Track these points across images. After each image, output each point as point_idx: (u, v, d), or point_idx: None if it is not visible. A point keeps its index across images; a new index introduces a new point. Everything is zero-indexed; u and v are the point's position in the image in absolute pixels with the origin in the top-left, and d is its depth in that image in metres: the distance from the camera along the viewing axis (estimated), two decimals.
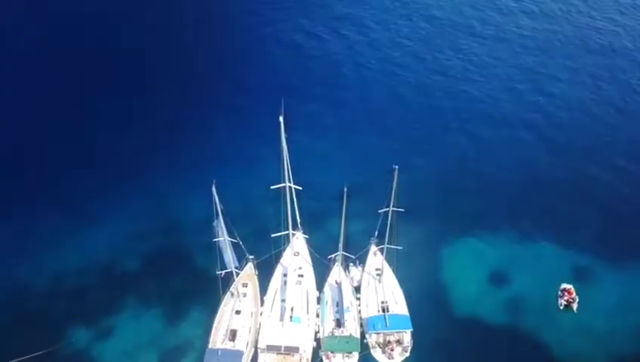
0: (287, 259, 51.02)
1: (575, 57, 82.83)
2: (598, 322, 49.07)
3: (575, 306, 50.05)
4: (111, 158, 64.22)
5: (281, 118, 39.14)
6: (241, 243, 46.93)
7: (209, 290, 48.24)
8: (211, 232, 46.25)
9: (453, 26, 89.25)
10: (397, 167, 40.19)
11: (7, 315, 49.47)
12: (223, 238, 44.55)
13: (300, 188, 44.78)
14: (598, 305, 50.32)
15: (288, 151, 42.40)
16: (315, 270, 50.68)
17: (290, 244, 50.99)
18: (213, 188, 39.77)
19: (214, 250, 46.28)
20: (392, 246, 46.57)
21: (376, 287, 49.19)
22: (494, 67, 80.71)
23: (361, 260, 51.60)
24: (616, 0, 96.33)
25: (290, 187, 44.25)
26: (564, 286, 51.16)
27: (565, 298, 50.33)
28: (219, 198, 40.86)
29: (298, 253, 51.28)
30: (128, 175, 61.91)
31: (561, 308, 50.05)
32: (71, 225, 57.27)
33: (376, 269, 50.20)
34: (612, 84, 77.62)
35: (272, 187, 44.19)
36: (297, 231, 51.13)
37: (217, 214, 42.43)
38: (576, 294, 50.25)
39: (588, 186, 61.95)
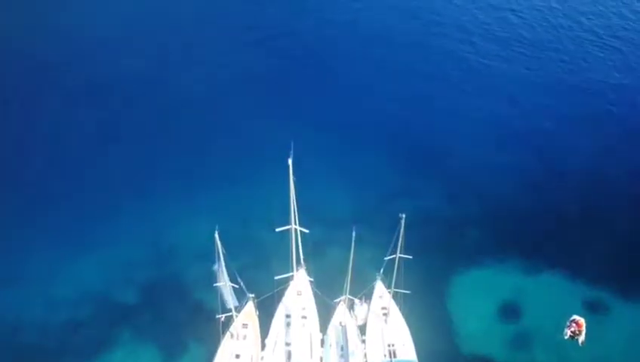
0: (289, 298, 48.89)
1: None
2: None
3: (581, 339, 47.92)
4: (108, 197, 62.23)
5: (289, 161, 37.31)
6: (243, 286, 45.01)
7: (208, 332, 46.35)
8: (212, 275, 44.45)
9: None
10: (404, 215, 37.96)
11: None
12: (224, 283, 42.71)
13: (307, 231, 42.87)
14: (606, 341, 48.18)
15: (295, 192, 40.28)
16: (318, 310, 48.55)
17: (292, 281, 48.95)
18: (216, 235, 38.04)
19: (214, 292, 44.55)
20: (400, 290, 44.46)
21: (383, 329, 47.11)
22: None
23: (367, 296, 49.52)
24: None
25: (296, 229, 42.43)
26: (575, 317, 49.02)
27: (572, 329, 48.20)
28: (221, 243, 39.21)
29: (301, 292, 49.18)
30: (126, 209, 60.21)
31: (566, 337, 48.04)
32: (64, 253, 55.56)
33: (383, 308, 48.10)
34: None
35: (277, 229, 42.52)
36: (300, 268, 49.01)
37: (219, 258, 40.83)
38: (586, 328, 48.13)
39: None
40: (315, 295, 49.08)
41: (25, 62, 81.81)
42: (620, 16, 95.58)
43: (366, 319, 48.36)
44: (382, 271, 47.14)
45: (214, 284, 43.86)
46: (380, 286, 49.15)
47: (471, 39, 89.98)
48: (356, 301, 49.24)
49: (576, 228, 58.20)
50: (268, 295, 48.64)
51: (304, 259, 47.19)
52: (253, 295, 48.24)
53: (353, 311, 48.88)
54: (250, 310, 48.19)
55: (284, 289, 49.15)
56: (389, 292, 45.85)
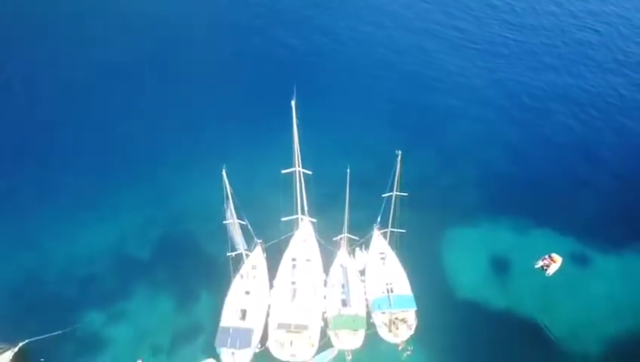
0: (295, 244, 53.07)
1: None
2: (561, 293, 51.78)
3: (550, 271, 52.67)
4: (121, 144, 67.46)
5: (293, 103, 40.90)
6: (249, 226, 48.53)
7: (219, 272, 50.39)
8: (221, 216, 48.05)
9: None
10: (400, 151, 42.43)
11: (23, 299, 51.30)
12: (233, 221, 46.20)
13: (310, 173, 46.48)
14: (571, 283, 52.73)
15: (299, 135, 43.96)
16: (321, 255, 52.64)
17: (298, 230, 53.18)
18: (224, 173, 41.61)
19: (224, 233, 48.25)
20: (396, 230, 48.77)
21: (381, 270, 51.34)
22: None
23: (366, 245, 53.82)
24: None
25: (299, 171, 46.10)
26: (553, 254, 53.79)
27: (545, 261, 53.01)
28: (228, 182, 42.72)
29: (305, 239, 53.35)
30: (138, 161, 64.95)
31: (536, 266, 52.96)
32: (82, 213, 59.32)
33: (380, 253, 52.39)
34: None
35: (282, 171, 46.02)
36: (305, 217, 53.15)
37: (227, 198, 44.17)
38: (560, 266, 52.81)
39: None
40: (318, 241, 53.23)
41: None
42: None
43: (365, 264, 52.60)
44: (379, 219, 51.56)
45: (224, 222, 47.18)
46: (377, 235, 53.51)
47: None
48: (356, 249, 53.65)
49: (565, 190, 63.15)
50: (275, 241, 53.00)
51: (308, 203, 50.70)
52: (261, 240, 52.47)
53: (354, 256, 53.18)
54: (258, 254, 52.37)
55: (290, 236, 53.41)
56: (387, 232, 50.06)
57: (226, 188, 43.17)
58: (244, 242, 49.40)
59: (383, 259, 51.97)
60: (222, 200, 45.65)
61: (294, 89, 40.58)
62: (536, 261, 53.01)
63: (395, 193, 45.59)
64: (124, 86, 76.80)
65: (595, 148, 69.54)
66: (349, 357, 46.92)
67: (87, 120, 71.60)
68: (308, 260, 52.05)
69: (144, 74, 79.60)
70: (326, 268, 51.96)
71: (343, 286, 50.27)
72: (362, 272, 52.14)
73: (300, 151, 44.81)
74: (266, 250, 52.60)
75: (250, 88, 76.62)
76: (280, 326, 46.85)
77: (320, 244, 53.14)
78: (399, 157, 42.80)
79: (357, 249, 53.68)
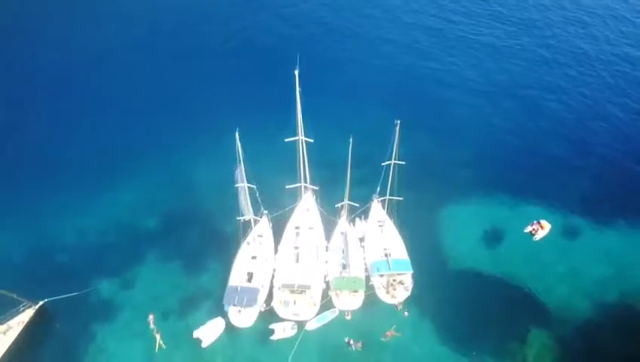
0: (298, 213, 56.13)
1: None
2: (546, 257, 55.10)
3: (537, 236, 56.00)
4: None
5: (296, 72, 43.42)
6: (257, 192, 50.96)
7: (228, 238, 53.78)
8: (229, 187, 51.05)
9: None
10: (399, 121, 45.46)
11: (45, 263, 54.29)
12: (243, 185, 48.80)
13: (312, 141, 49.19)
14: (558, 249, 56.12)
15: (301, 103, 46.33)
16: (323, 224, 55.61)
17: (301, 201, 56.26)
18: (237, 135, 44.14)
19: (233, 201, 51.19)
20: (394, 198, 51.90)
21: (379, 237, 54.44)
22: None
23: (365, 214, 56.91)
24: None
25: (302, 140, 48.86)
26: (542, 220, 57.16)
27: (534, 226, 56.32)
28: (241, 145, 45.14)
29: (308, 209, 56.41)
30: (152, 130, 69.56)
31: (525, 231, 56.48)
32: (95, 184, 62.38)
33: (379, 221, 55.48)
34: None
35: (286, 140, 48.89)
36: (308, 190, 56.10)
37: (239, 160, 46.55)
38: (548, 232, 56.19)
39: None
40: (321, 213, 56.29)
41: None
42: None
43: (364, 232, 55.69)
44: (378, 190, 54.65)
45: (235, 185, 49.92)
46: (376, 205, 56.60)
47: None
48: (357, 219, 56.74)
49: (560, 167, 66.65)
50: (280, 212, 56.04)
51: (310, 171, 53.30)
52: (267, 211, 55.48)
53: (353, 225, 56.28)
54: (264, 223, 55.42)
55: (294, 208, 56.47)
56: (385, 202, 53.13)
57: (238, 150, 45.37)
58: (251, 209, 52.02)
59: (381, 226, 55.04)
60: (230, 170, 48.88)
61: (297, 59, 43.34)
62: (526, 226, 56.34)
63: (393, 161, 48.53)
64: (140, 59, 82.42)
65: (586, 128, 73.36)
66: (349, 317, 50.00)
67: (101, 91, 76.23)
68: (310, 228, 55.10)
69: (157, 45, 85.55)
70: (327, 236, 55.04)
71: (343, 251, 53.39)
72: (362, 240, 55.21)
73: (303, 120, 47.44)
74: (272, 220, 55.61)
75: (255, 61, 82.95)
76: (284, 286, 49.90)
77: (322, 214, 56.19)
78: (398, 127, 45.70)
79: (357, 218, 56.78)
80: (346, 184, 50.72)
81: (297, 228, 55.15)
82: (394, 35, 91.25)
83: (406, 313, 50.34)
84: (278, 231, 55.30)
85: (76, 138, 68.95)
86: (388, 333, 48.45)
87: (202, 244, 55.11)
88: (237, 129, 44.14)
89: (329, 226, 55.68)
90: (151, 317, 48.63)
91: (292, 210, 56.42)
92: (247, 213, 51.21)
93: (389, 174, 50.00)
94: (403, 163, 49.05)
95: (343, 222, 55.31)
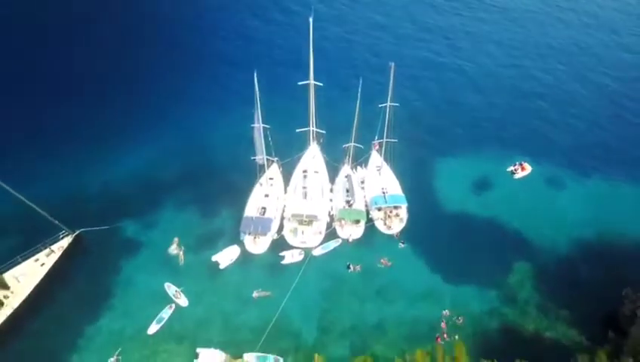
0: (305, 160, 62.61)
1: None
2: (526, 196, 61.74)
3: (517, 175, 62.74)
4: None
5: (310, 19, 48.54)
6: (269, 135, 55.84)
7: (243, 179, 59.83)
8: (245, 131, 57.48)
9: None
10: (393, 63, 52.05)
11: (82, 200, 59.43)
12: (259, 125, 54.24)
13: (321, 85, 54.81)
14: (536, 191, 62.76)
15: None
16: (328, 169, 62.19)
17: (308, 149, 62.75)
18: (255, 76, 49.30)
19: (249, 143, 57.08)
20: (390, 140, 58.39)
21: (377, 178, 60.81)
22: None
23: (365, 163, 63.41)
24: None
25: (313, 84, 54.37)
26: (524, 162, 63.82)
27: (515, 167, 62.80)
28: (258, 87, 49.91)
29: (315, 156, 62.88)
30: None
31: (507, 170, 63.55)
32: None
33: (377, 166, 61.89)
34: None
35: (299, 83, 54.67)
36: (314, 141, 62.40)
37: (256, 101, 51.42)
38: (528, 173, 62.98)
39: None
40: (325, 160, 62.69)
41: None
42: None
43: (364, 177, 62.04)
44: (376, 138, 61.04)
45: (251, 125, 55.48)
46: (374, 154, 63.13)
47: None
48: (357, 167, 63.17)
49: (552, 129, 73.54)
50: (288, 160, 62.39)
51: (316, 115, 58.85)
52: (277, 158, 61.71)
53: (355, 171, 62.69)
54: (275, 169, 61.89)
55: (301, 155, 62.93)
56: (382, 145, 59.46)
57: (256, 91, 50.09)
58: (264, 149, 56.28)
59: (378, 170, 61.45)
60: (246, 117, 55.24)
61: (312, 8, 49.86)
62: (509, 166, 62.82)
63: (388, 103, 55.06)
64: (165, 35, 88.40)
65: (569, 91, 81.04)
66: (351, 241, 56.03)
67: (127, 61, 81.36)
68: (316, 172, 61.52)
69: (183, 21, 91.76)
70: (332, 179, 61.46)
71: (347, 190, 59.67)
72: (362, 182, 61.57)
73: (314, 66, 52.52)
74: (281, 165, 62.05)
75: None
76: (293, 216, 56.15)
77: (326, 161, 62.63)
78: (392, 69, 52.18)
79: (358, 166, 63.21)
80: (353, 126, 56.71)
81: (305, 171, 61.49)
82: None
83: (402, 244, 56.39)
84: (286, 177, 61.68)
85: (106, 104, 73.77)
86: (382, 261, 54.46)
87: (219, 185, 60.83)
88: (255, 72, 49.36)
89: (333, 171, 62.10)
90: (176, 239, 54.85)
91: (299, 158, 62.83)
92: (261, 153, 57.21)
93: (385, 118, 56.48)
94: (397, 105, 55.60)
95: (345, 167, 61.69)
